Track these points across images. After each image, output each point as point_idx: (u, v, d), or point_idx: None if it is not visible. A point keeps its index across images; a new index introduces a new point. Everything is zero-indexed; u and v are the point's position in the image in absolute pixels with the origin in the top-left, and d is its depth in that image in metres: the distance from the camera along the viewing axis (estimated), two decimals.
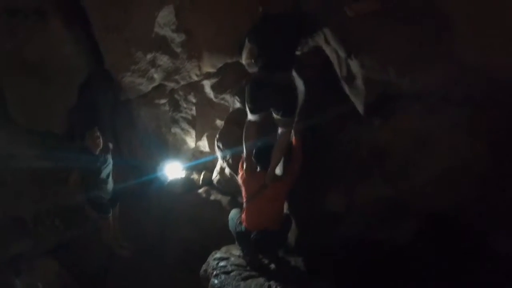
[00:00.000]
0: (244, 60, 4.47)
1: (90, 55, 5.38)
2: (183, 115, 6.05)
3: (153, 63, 5.33)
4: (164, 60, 5.33)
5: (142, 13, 4.87)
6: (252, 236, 4.64)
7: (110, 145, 5.41)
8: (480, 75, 3.79)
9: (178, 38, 5.16)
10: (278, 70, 4.25)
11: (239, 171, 4.91)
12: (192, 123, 6.09)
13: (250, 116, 4.56)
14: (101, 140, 5.12)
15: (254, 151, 4.71)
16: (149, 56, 5.24)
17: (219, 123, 5.98)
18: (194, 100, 5.94)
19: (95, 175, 5.21)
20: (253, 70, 4.58)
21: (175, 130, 6.14)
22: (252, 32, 4.33)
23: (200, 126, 6.12)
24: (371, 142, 4.39)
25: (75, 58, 5.29)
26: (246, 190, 4.74)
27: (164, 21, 4.99)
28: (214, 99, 5.86)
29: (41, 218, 5.69)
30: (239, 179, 4.91)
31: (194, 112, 6.02)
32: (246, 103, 4.43)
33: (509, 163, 3.92)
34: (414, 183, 4.19)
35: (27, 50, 5.10)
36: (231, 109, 5.81)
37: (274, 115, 4.43)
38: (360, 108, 4.46)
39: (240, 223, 4.78)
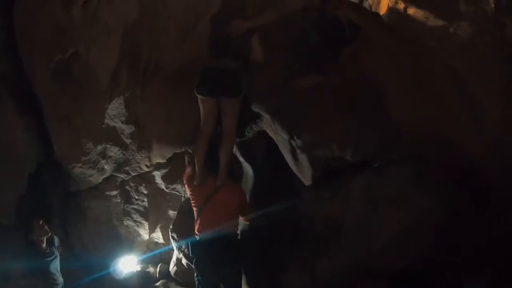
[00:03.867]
0: None
1: (41, 144, 5.38)
2: (135, 206, 6.00)
3: (103, 155, 5.38)
4: (114, 151, 5.39)
5: (92, 104, 5.02)
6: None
7: (56, 238, 5.27)
8: (416, 133, 4.06)
9: (128, 129, 5.26)
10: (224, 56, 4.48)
11: (185, 179, 4.87)
12: (145, 214, 6.04)
13: (200, 105, 4.64)
14: (48, 230, 5.02)
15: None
16: (99, 147, 5.31)
17: (172, 213, 5.98)
18: (145, 191, 5.94)
19: (43, 271, 5.03)
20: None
21: (128, 222, 6.05)
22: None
23: (153, 217, 6.07)
24: (324, 215, 4.46)
25: (25, 146, 5.26)
26: (196, 199, 4.68)
27: (115, 113, 5.12)
28: (165, 190, 5.91)
29: None
30: (187, 189, 4.86)
31: (146, 203, 6.00)
32: (195, 88, 4.55)
33: (459, 210, 4.07)
34: (373, 247, 4.25)
35: None
36: (183, 199, 5.86)
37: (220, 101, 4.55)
38: (308, 184, 4.62)
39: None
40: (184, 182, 4.94)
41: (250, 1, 4.62)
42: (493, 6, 3.81)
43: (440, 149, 4.13)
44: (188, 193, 4.91)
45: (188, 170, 4.87)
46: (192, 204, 4.76)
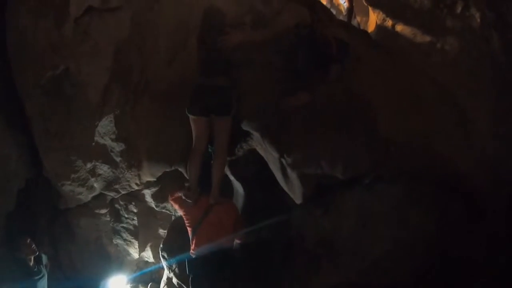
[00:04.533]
0: None
1: (30, 160, 5.33)
2: (125, 225, 5.97)
3: (93, 172, 5.33)
4: (104, 169, 5.35)
5: (82, 122, 4.99)
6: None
7: (44, 256, 5.23)
8: (406, 149, 4.09)
9: (117, 147, 5.24)
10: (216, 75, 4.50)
11: (173, 201, 4.88)
12: (135, 233, 6.00)
13: (192, 125, 4.65)
14: (35, 249, 4.98)
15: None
16: (89, 165, 5.26)
17: (162, 232, 5.95)
18: (135, 210, 5.91)
19: None
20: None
21: (117, 241, 6.01)
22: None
23: (143, 236, 6.04)
24: (316, 233, 4.48)
25: (15, 163, 5.20)
26: (190, 218, 4.65)
27: (104, 130, 5.11)
28: (155, 208, 5.87)
29: None
30: (178, 209, 4.87)
31: (136, 222, 5.96)
32: (186, 109, 4.58)
33: (451, 225, 4.07)
34: (365, 263, 4.26)
35: None
36: (173, 218, 5.83)
37: (212, 119, 4.56)
38: (299, 202, 4.62)
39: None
40: (172, 204, 4.94)
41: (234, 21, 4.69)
42: (479, 21, 3.88)
43: (431, 164, 4.16)
44: (180, 213, 4.89)
45: (177, 193, 4.87)
46: (186, 224, 4.73)
